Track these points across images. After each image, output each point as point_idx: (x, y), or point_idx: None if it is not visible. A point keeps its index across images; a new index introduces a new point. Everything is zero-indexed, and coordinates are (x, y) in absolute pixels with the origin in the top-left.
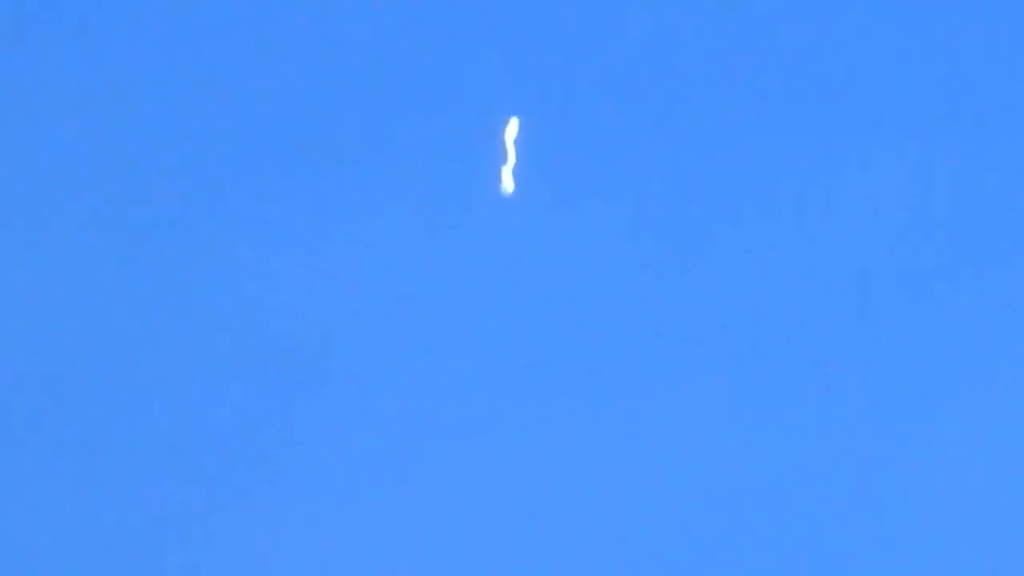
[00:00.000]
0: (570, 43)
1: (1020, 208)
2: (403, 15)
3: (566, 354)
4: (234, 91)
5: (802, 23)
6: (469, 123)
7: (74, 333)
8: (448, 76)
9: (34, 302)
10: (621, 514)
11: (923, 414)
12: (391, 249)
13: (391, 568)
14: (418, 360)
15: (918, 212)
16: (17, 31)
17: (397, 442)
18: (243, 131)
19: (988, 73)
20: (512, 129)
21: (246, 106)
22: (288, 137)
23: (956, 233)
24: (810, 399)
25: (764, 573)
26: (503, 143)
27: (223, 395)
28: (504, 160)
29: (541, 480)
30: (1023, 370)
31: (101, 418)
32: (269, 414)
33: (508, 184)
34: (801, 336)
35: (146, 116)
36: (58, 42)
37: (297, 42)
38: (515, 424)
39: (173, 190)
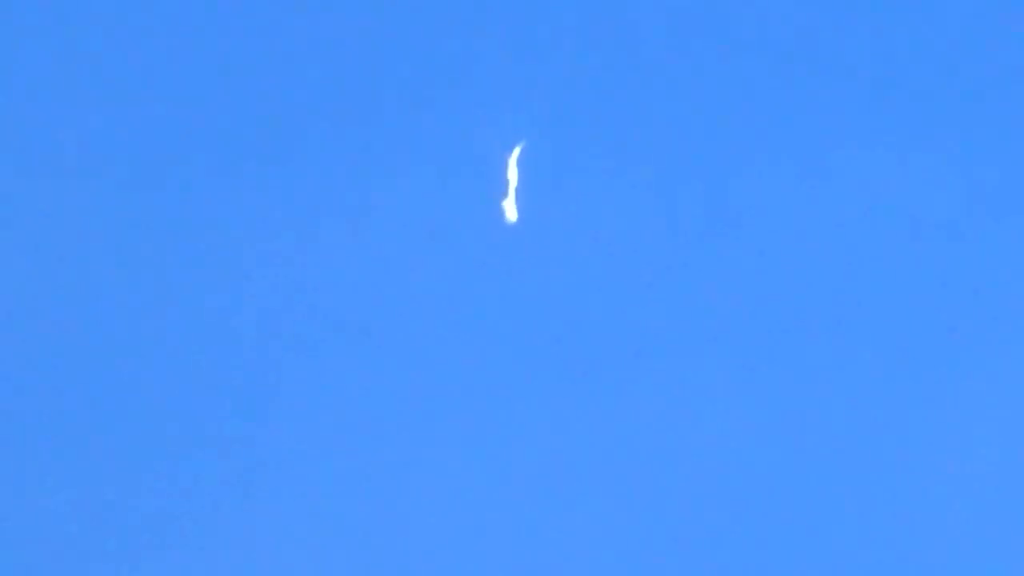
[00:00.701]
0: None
1: (1020, 207)
2: (410, 26)
3: (565, 357)
4: (238, 96)
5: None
6: (474, 149)
7: (72, 328)
8: (455, 95)
9: (30, 299)
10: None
11: (922, 411)
12: (394, 260)
13: (391, 564)
14: (419, 369)
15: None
16: (17, 30)
17: (398, 442)
18: (250, 135)
19: (989, 72)
20: (515, 157)
21: (253, 110)
22: (291, 139)
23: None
24: (812, 396)
25: (767, 566)
26: (507, 170)
27: (221, 394)
28: (507, 188)
29: (543, 484)
30: (1020, 367)
31: (99, 412)
32: (268, 413)
33: (511, 212)
34: (801, 339)
35: (151, 113)
36: (59, 41)
37: (304, 50)
38: (512, 425)
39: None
